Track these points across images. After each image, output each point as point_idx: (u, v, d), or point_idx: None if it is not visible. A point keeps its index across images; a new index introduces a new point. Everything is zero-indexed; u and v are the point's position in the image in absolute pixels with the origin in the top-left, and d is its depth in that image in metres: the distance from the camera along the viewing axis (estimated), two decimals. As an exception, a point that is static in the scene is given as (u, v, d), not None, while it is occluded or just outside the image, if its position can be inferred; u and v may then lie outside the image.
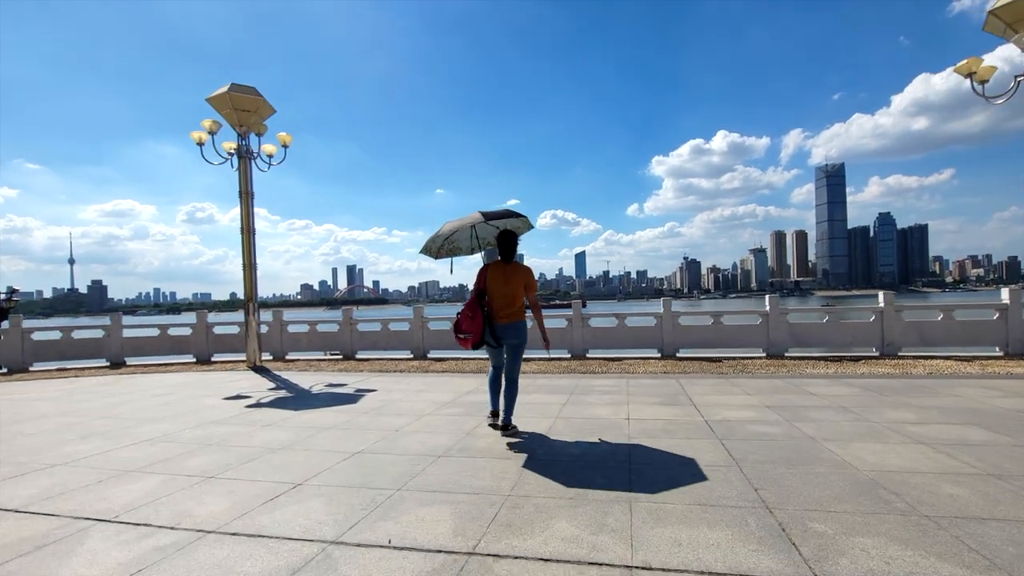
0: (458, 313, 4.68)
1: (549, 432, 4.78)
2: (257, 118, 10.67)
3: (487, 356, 4.94)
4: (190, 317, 13.52)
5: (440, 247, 5.15)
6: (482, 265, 4.81)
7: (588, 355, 10.78)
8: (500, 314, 4.54)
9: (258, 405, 6.59)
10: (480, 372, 9.14)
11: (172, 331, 12.54)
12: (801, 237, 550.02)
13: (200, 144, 10.52)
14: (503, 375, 4.70)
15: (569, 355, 10.87)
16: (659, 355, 10.46)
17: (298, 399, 6.94)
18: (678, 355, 10.33)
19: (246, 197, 10.67)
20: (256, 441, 4.77)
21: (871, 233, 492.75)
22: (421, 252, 5.19)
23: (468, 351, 6.02)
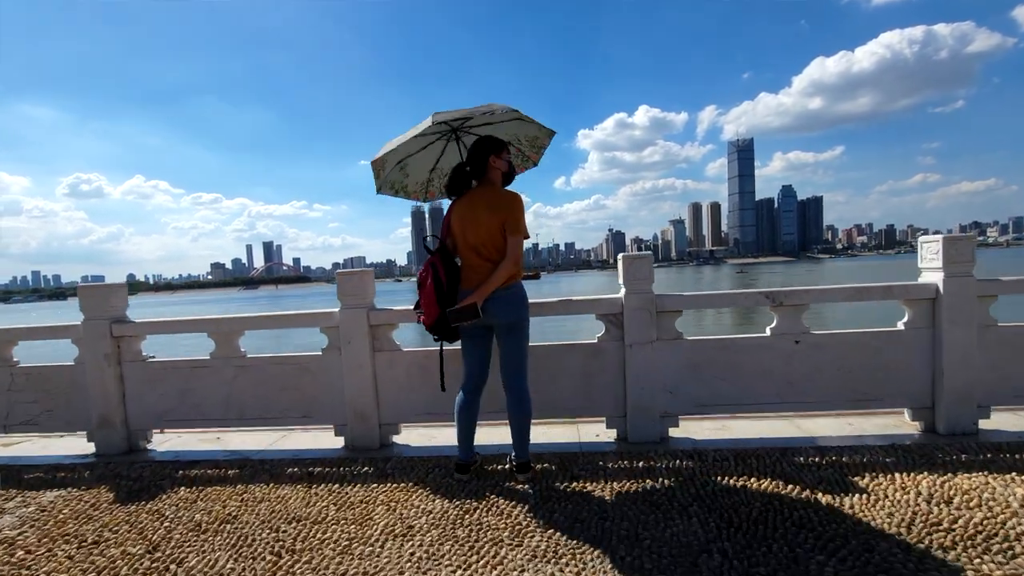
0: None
1: None
2: None
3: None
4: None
5: (392, 178, 3.15)
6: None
7: (681, 428, 3.22)
8: (471, 274, 2.65)
9: None
10: None
11: None
12: (715, 208, 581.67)
13: None
14: (502, 381, 2.73)
15: (616, 435, 3.25)
16: (918, 424, 3.13)
17: None
18: (991, 432, 3.03)
19: None
20: None
21: (775, 204, 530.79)
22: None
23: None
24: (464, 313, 2.55)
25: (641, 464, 2.84)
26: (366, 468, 3.02)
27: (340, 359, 3.34)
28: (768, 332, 3.18)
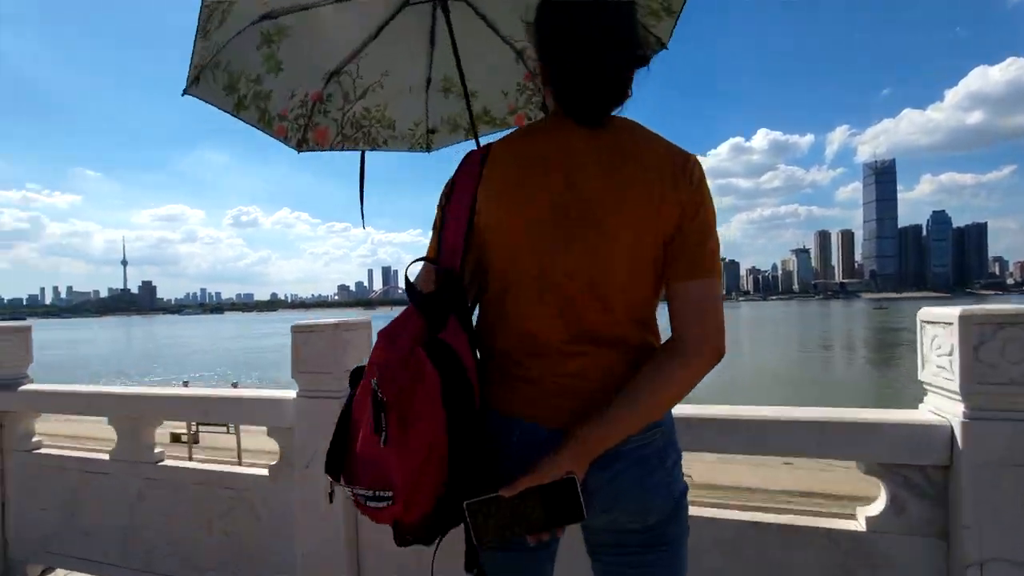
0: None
1: None
2: None
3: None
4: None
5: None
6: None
7: None
8: (546, 375, 0.81)
9: None
10: None
11: None
12: (847, 237, 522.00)
13: None
14: None
15: None
16: None
17: None
18: None
19: None
20: None
21: (923, 232, 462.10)
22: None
23: None
24: (528, 515, 0.70)
25: None
26: None
27: (294, 489, 1.73)
28: None
